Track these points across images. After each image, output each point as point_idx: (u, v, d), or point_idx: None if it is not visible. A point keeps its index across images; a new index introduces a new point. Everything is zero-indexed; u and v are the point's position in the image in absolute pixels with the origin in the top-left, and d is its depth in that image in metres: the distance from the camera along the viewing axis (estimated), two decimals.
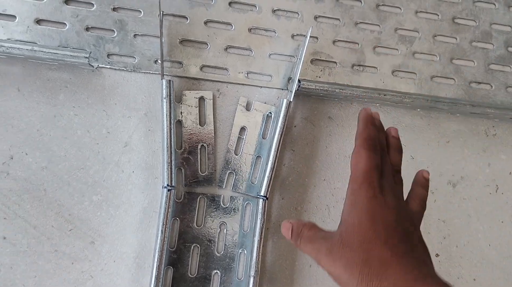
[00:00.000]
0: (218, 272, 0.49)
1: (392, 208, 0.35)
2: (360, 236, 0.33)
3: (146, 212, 0.49)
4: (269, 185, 0.47)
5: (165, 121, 0.46)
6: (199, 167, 0.50)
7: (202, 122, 0.51)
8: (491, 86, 0.57)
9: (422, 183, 0.40)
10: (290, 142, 0.52)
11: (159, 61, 0.50)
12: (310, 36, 0.50)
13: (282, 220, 0.51)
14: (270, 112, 0.51)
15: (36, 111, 0.48)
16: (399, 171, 0.41)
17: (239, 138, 0.51)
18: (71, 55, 0.45)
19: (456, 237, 0.55)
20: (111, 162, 0.48)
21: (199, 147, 0.50)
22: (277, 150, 0.48)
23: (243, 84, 0.52)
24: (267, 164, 0.48)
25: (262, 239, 0.47)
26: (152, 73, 0.50)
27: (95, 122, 0.49)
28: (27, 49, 0.44)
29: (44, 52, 0.44)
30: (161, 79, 0.46)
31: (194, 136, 0.50)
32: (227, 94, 0.52)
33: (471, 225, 0.55)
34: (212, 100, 0.51)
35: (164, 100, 0.46)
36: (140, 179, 0.49)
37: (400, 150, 0.41)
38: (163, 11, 0.48)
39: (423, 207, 0.39)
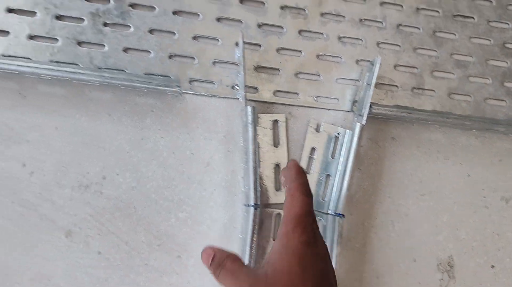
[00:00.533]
0: None
1: (323, 257, 0.35)
2: (288, 280, 0.32)
3: (227, 228, 0.51)
4: (344, 203, 0.50)
5: (250, 145, 0.49)
6: (274, 185, 0.53)
7: (276, 143, 0.53)
8: None
9: None
10: (357, 162, 0.55)
11: (237, 87, 0.53)
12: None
13: (351, 233, 0.54)
14: (338, 133, 0.54)
15: (125, 135, 0.51)
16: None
17: (310, 158, 0.54)
18: (165, 84, 0.48)
19: (509, 250, 0.58)
20: (194, 181, 0.51)
21: (273, 166, 0.53)
22: (351, 170, 0.50)
23: (312, 107, 0.55)
24: (342, 183, 0.50)
25: (337, 257, 0.50)
26: (230, 98, 0.53)
27: (179, 145, 0.52)
28: (124, 78, 0.47)
29: (140, 81, 0.47)
30: (245, 105, 0.49)
31: (270, 156, 0.53)
32: (297, 117, 0.54)
33: None
34: (285, 122, 0.54)
35: (250, 125, 0.49)
36: (220, 196, 0.52)
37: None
38: (244, 41, 0.51)
39: None
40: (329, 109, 0.55)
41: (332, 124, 0.55)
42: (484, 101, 0.59)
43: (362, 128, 0.51)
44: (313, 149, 0.54)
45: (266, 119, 0.53)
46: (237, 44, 0.52)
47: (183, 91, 0.52)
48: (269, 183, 0.52)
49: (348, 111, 0.56)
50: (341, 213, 0.50)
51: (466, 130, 0.58)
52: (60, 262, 0.48)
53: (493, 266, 0.57)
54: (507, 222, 0.58)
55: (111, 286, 0.49)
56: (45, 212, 0.48)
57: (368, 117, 0.54)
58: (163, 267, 0.50)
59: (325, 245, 0.37)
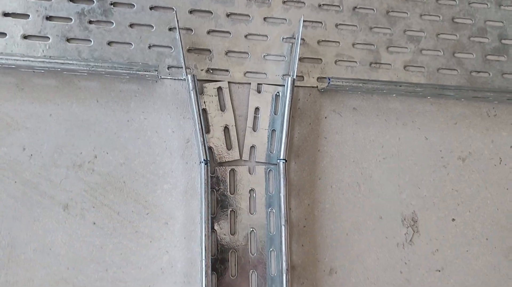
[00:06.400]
0: (254, 229, 0.51)
1: None
2: None
3: None
4: (286, 149, 0.50)
5: (195, 109, 0.49)
6: (225, 145, 0.53)
7: (222, 107, 0.53)
8: (489, 74, 0.59)
9: None
10: (323, 131, 0.55)
11: (210, 71, 0.53)
12: (334, 41, 0.54)
13: (321, 196, 0.54)
14: (278, 92, 0.54)
15: (112, 118, 0.51)
16: None
17: (255, 117, 0.54)
18: (144, 69, 0.48)
19: (468, 204, 0.57)
20: (177, 156, 0.52)
21: (223, 128, 0.53)
22: (289, 119, 0.51)
23: (279, 85, 0.55)
24: (282, 132, 0.51)
25: (287, 196, 0.49)
26: (205, 80, 0.53)
27: (162, 124, 0.52)
28: (108, 66, 0.47)
29: (122, 67, 0.48)
30: (186, 75, 0.50)
31: (218, 120, 0.53)
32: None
33: (480, 193, 0.57)
34: (228, 88, 0.54)
35: (192, 92, 0.49)
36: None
37: None
38: (177, 18, 0.51)
39: None
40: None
41: (273, 85, 0.54)
42: (437, 72, 0.58)
43: (294, 82, 0.51)
44: (257, 109, 0.54)
45: (210, 88, 0.53)
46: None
47: (162, 77, 0.53)
48: (221, 143, 0.53)
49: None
50: (284, 159, 0.50)
51: (421, 98, 0.58)
52: (59, 233, 0.49)
53: (453, 219, 0.57)
54: (465, 179, 0.57)
55: (106, 252, 0.49)
56: (44, 189, 0.49)
57: (329, 90, 0.55)
58: (152, 233, 0.50)
59: None
